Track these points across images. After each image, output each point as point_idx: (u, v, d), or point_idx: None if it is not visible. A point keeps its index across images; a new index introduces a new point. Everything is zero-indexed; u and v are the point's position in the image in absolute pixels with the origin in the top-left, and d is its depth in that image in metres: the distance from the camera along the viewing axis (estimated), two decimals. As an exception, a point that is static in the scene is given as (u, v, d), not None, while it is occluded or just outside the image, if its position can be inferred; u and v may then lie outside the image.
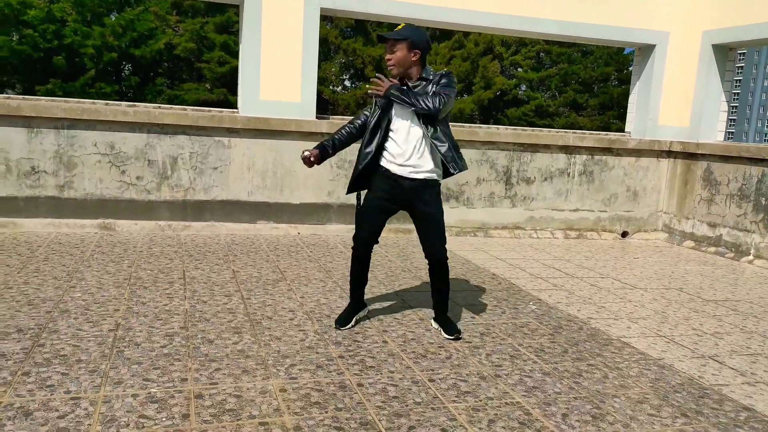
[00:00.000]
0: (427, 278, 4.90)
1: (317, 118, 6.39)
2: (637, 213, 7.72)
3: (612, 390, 3.02)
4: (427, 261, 3.56)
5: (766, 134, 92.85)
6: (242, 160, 6.25)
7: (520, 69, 26.83)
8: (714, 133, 7.46)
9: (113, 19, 19.54)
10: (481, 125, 7.70)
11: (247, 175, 6.29)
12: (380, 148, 3.46)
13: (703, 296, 5.04)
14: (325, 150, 3.52)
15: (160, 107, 6.12)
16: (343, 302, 4.14)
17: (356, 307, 3.76)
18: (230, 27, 19.57)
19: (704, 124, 7.40)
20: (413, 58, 3.37)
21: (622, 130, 8.56)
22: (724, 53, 7.30)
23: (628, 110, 8.00)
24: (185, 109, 6.16)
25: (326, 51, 20.41)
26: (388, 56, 3.39)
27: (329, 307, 4.02)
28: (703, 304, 4.80)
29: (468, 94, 22.80)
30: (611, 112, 25.85)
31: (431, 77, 3.41)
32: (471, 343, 3.54)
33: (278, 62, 6.20)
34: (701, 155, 7.26)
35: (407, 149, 3.41)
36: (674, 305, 4.70)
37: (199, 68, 19.77)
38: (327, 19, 19.01)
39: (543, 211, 7.34)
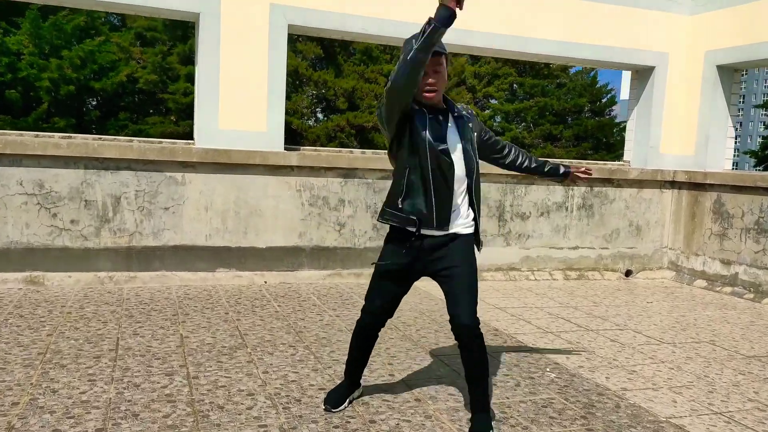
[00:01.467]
0: (422, 343, 4.06)
1: (286, 149, 5.58)
2: (640, 250, 7.02)
3: None
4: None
5: (734, 164, 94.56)
6: (199, 198, 5.39)
7: (494, 101, 26.50)
8: (722, 161, 6.84)
9: (72, 51, 18.59)
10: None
11: (205, 215, 5.42)
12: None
13: (741, 351, 4.29)
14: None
15: (100, 138, 5.25)
16: (317, 376, 3.28)
17: (351, 386, 2.96)
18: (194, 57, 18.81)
19: (711, 152, 6.78)
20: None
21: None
22: (730, 75, 6.73)
23: (626, 137, 7.37)
24: (131, 140, 5.30)
25: (297, 83, 19.76)
26: (431, 80, 2.55)
27: (299, 385, 3.15)
28: (746, 362, 4.04)
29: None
30: (586, 144, 25.54)
31: (456, 108, 2.72)
32: (486, 436, 2.70)
33: (240, 86, 5.41)
34: (710, 185, 6.61)
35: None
36: (714, 366, 3.93)
37: (164, 100, 18.90)
38: (296, 50, 18.41)
39: (540, 249, 6.59)
